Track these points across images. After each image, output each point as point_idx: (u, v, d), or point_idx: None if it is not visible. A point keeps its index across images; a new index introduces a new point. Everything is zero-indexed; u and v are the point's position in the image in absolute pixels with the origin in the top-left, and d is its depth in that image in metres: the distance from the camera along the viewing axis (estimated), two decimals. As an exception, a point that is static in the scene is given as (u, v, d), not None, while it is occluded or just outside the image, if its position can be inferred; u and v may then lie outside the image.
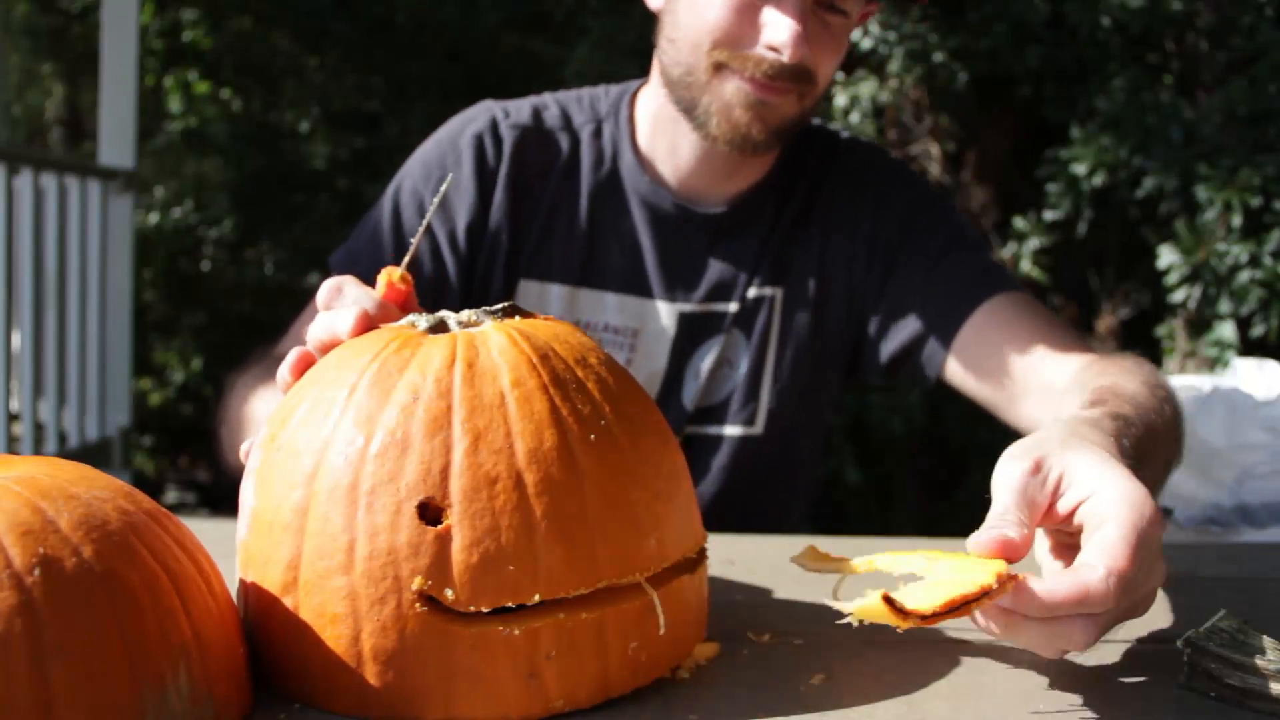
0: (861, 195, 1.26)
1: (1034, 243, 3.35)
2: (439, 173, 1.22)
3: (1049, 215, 3.27)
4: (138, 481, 4.47)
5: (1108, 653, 0.75)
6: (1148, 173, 3.00)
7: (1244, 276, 2.80)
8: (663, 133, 1.23)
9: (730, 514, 1.20)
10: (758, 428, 1.26)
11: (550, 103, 1.28)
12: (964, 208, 3.86)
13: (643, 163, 1.24)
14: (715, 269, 1.24)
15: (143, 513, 0.58)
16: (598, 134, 1.26)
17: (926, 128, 3.70)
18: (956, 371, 1.19)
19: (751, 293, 1.24)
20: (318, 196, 4.78)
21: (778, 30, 1.07)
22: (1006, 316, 1.17)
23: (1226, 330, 2.92)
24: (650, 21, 1.23)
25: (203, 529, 0.98)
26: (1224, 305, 2.86)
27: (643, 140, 1.25)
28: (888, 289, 1.24)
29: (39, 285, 3.53)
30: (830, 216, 1.26)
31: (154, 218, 5.21)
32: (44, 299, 3.57)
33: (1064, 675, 0.71)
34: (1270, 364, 2.23)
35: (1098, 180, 3.05)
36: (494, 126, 1.24)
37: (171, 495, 5.06)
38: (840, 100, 3.53)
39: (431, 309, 1.23)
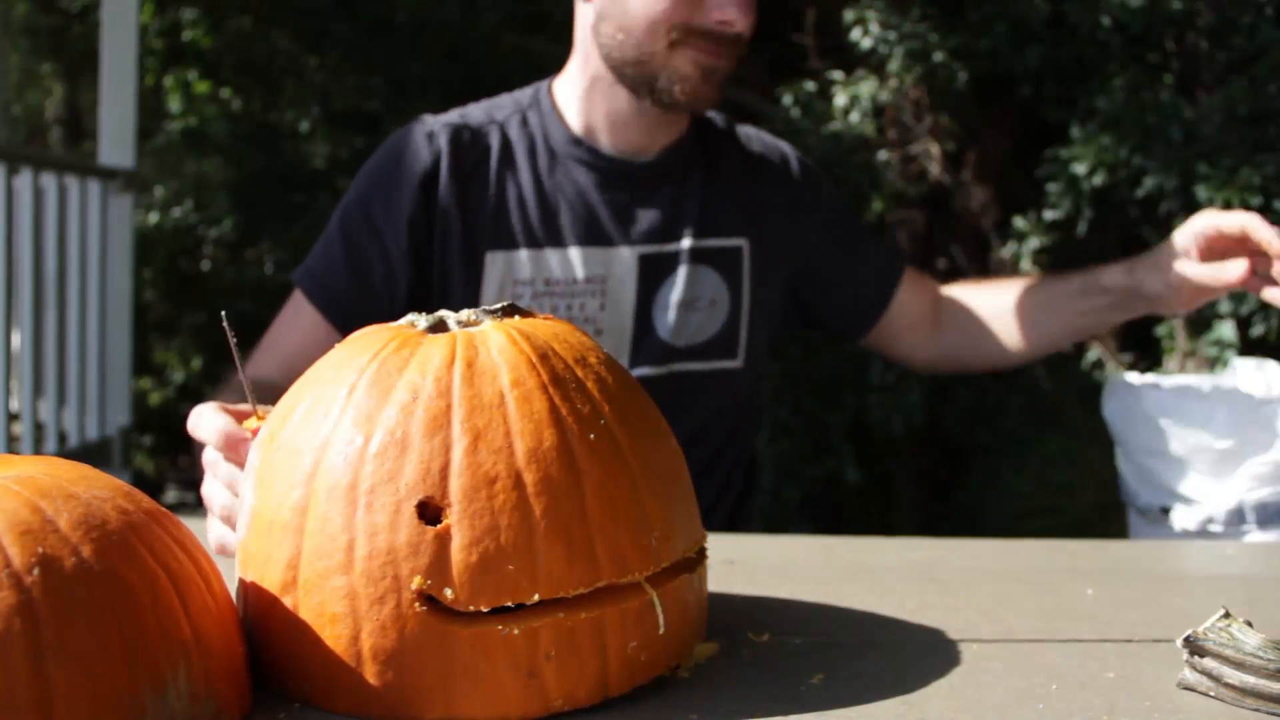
0: (784, 159, 1.48)
1: (1034, 242, 3.34)
2: (380, 184, 1.34)
3: (1049, 215, 3.27)
4: (137, 481, 4.47)
5: (1108, 652, 0.75)
6: (1148, 172, 3.00)
7: (1244, 276, 2.80)
8: (597, 108, 1.36)
9: (710, 442, 1.41)
10: (738, 361, 1.43)
11: (472, 109, 1.42)
12: (964, 207, 3.86)
13: (572, 136, 1.37)
14: (660, 212, 1.38)
15: (142, 512, 0.58)
16: (524, 122, 1.39)
17: (926, 127, 3.70)
18: (884, 329, 1.49)
19: (716, 242, 1.40)
20: (318, 196, 4.78)
21: (724, 8, 1.25)
22: (915, 288, 1.50)
23: (1226, 330, 2.92)
24: None
25: (202, 529, 0.98)
26: (1224, 304, 2.86)
27: (571, 119, 1.38)
28: (812, 250, 1.47)
29: (39, 285, 3.53)
30: (766, 175, 1.46)
31: (154, 217, 5.21)
32: (44, 299, 3.57)
33: (1064, 675, 0.71)
34: (1270, 364, 2.23)
35: (1098, 180, 3.05)
36: (427, 129, 1.36)
37: (171, 495, 5.06)
38: (840, 100, 3.53)
39: (387, 305, 1.31)
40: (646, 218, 1.37)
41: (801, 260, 1.47)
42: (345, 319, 1.30)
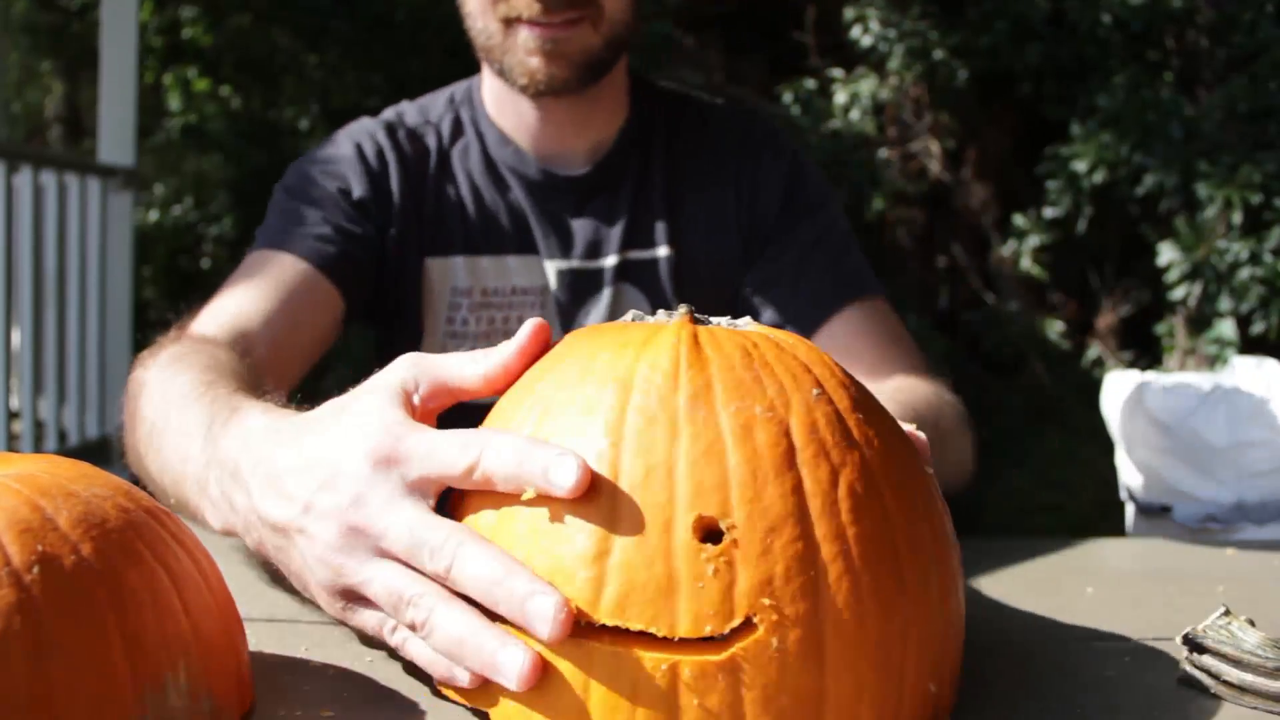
0: (743, 158, 1.29)
1: (1034, 240, 3.35)
2: (321, 163, 1.24)
3: (1049, 212, 3.27)
4: (137, 480, 4.47)
5: (1108, 649, 0.75)
6: (1148, 170, 3.00)
7: (1244, 274, 2.80)
8: (506, 105, 1.27)
9: None
10: None
11: (407, 108, 1.33)
12: (964, 205, 3.86)
13: (503, 137, 1.28)
14: (587, 228, 1.27)
15: (142, 510, 0.58)
16: (457, 122, 1.30)
17: (926, 125, 3.70)
18: None
19: (641, 254, 1.28)
20: (317, 194, 4.76)
21: None
22: (856, 327, 1.21)
23: (1226, 328, 2.92)
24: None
25: (201, 528, 0.98)
26: (1224, 302, 2.87)
27: (495, 117, 1.28)
28: (759, 266, 1.28)
29: (38, 283, 3.53)
30: (712, 177, 1.29)
31: (154, 215, 5.21)
32: (44, 296, 3.57)
33: (1063, 671, 0.71)
34: (1270, 362, 2.23)
35: (1098, 177, 3.05)
36: (365, 127, 1.28)
37: (171, 493, 5.06)
38: (840, 98, 3.53)
39: (362, 254, 1.18)
40: (570, 233, 1.27)
41: (745, 272, 1.29)
42: (330, 264, 1.15)
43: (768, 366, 0.58)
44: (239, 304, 1.09)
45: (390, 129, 1.28)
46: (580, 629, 0.53)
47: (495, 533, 0.56)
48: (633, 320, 0.65)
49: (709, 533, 0.53)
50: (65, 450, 3.62)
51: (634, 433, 0.55)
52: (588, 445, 0.55)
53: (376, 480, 0.57)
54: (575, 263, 1.27)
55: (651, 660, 0.52)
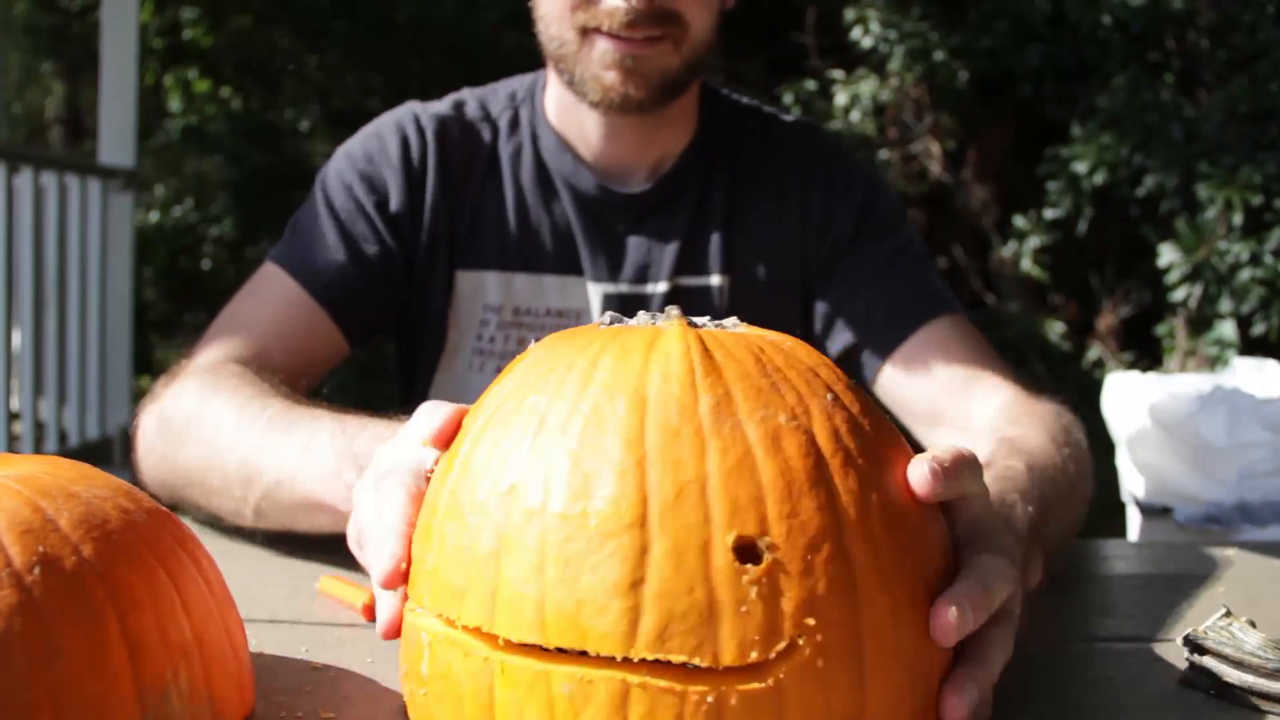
0: (811, 180, 1.24)
1: (1034, 241, 3.35)
2: (364, 163, 1.20)
3: (1049, 213, 3.27)
4: (138, 481, 4.47)
5: (1109, 650, 0.75)
6: (1148, 171, 3.00)
7: (1245, 275, 2.80)
8: (569, 114, 1.21)
9: None
10: None
11: (468, 97, 1.26)
12: (964, 206, 3.85)
13: (562, 144, 1.22)
14: (639, 250, 1.21)
15: (143, 512, 0.58)
16: (515, 122, 1.24)
17: (927, 126, 3.70)
18: (885, 385, 1.19)
19: (693, 280, 1.22)
20: (318, 195, 4.76)
21: None
22: (943, 341, 1.16)
23: (1227, 329, 2.93)
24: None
25: (202, 528, 0.98)
26: (1224, 304, 2.86)
27: (555, 122, 1.22)
28: (834, 285, 1.22)
29: (39, 284, 3.53)
30: (776, 200, 1.24)
31: (154, 216, 5.22)
32: (44, 298, 3.57)
33: (1064, 673, 0.71)
34: (1270, 363, 2.23)
35: (1098, 178, 3.05)
36: (415, 119, 1.22)
37: (172, 494, 5.06)
38: (841, 99, 3.53)
39: (384, 287, 1.16)
40: (622, 255, 1.21)
41: (811, 294, 1.24)
42: (334, 299, 1.13)
43: (780, 371, 0.56)
44: (238, 323, 1.12)
45: (443, 125, 1.21)
46: (617, 664, 0.49)
47: (502, 560, 0.51)
48: (611, 324, 0.62)
49: (746, 552, 0.50)
50: (66, 451, 3.62)
51: (658, 448, 0.51)
52: (607, 463, 0.51)
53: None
54: (623, 287, 1.21)
55: (696, 694, 0.48)
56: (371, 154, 1.19)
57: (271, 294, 1.14)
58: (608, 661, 0.49)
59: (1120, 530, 2.26)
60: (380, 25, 4.50)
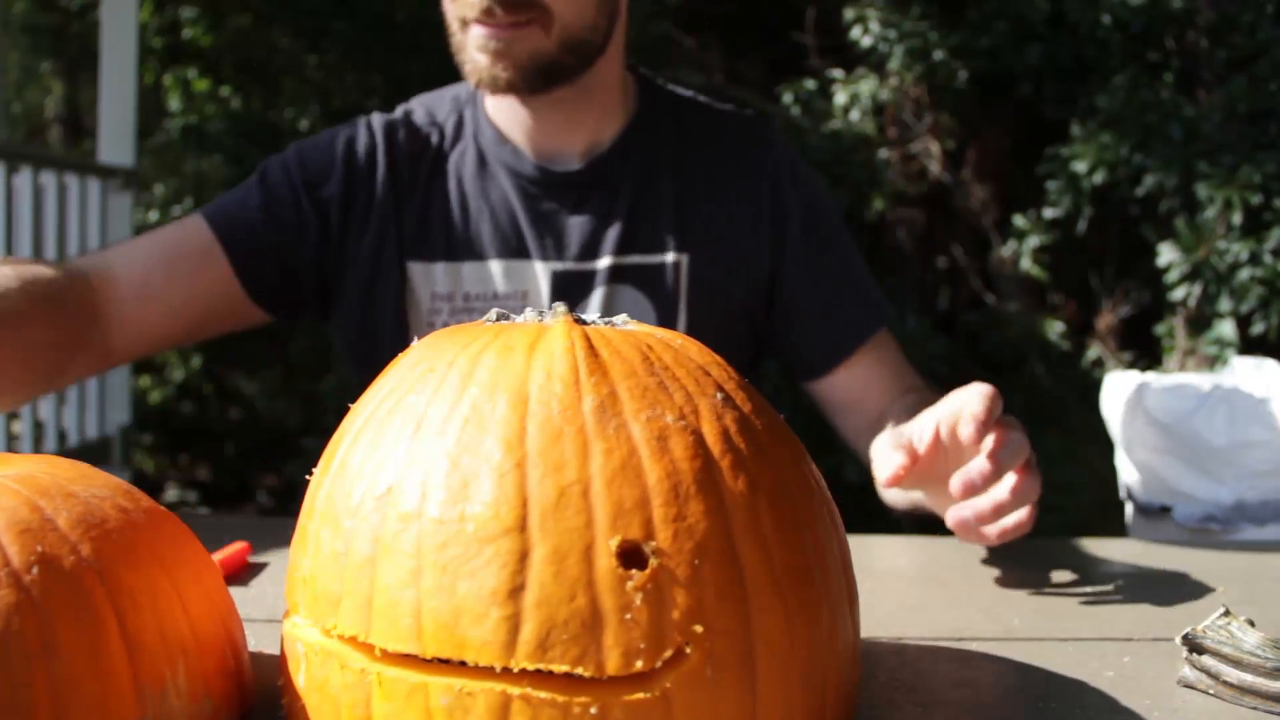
0: (761, 169, 1.30)
1: (1034, 240, 3.35)
2: (307, 151, 1.27)
3: (1049, 213, 3.27)
4: (137, 480, 4.47)
5: (1108, 649, 0.75)
6: (1148, 170, 3.00)
7: (1244, 274, 2.80)
8: (501, 105, 1.27)
9: None
10: None
11: (416, 105, 1.34)
12: (964, 206, 3.86)
13: (500, 135, 1.28)
14: (582, 228, 1.26)
15: (142, 511, 0.58)
16: (459, 124, 1.31)
17: (926, 125, 3.70)
18: (823, 393, 1.31)
19: (643, 259, 1.27)
20: (317, 194, 4.76)
21: None
22: (878, 356, 1.29)
23: (1226, 328, 2.93)
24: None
25: (202, 527, 0.98)
26: (1224, 303, 2.86)
27: (493, 115, 1.29)
28: (780, 283, 1.30)
29: (39, 283, 3.53)
30: (729, 183, 1.29)
31: (154, 215, 5.21)
32: (44, 297, 3.56)
33: (1064, 671, 0.71)
34: (1270, 363, 2.23)
35: (1098, 178, 3.05)
36: (367, 123, 1.30)
37: (171, 494, 5.06)
38: (840, 98, 3.53)
39: (288, 259, 1.21)
40: (567, 232, 1.26)
41: (764, 282, 1.30)
42: (235, 238, 1.20)
43: (668, 370, 0.54)
44: (129, 246, 1.19)
45: (391, 128, 1.29)
46: (496, 675, 0.47)
47: (378, 566, 0.49)
48: (497, 320, 0.60)
49: (631, 557, 0.48)
50: (65, 451, 3.62)
51: (539, 450, 0.49)
52: (486, 465, 0.49)
53: None
54: (570, 264, 1.27)
55: (580, 705, 0.46)
56: (318, 145, 1.27)
57: (177, 226, 1.22)
58: (487, 672, 0.47)
59: (1119, 529, 2.26)
60: (380, 25, 4.50)
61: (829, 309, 1.29)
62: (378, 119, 1.30)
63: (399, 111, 1.32)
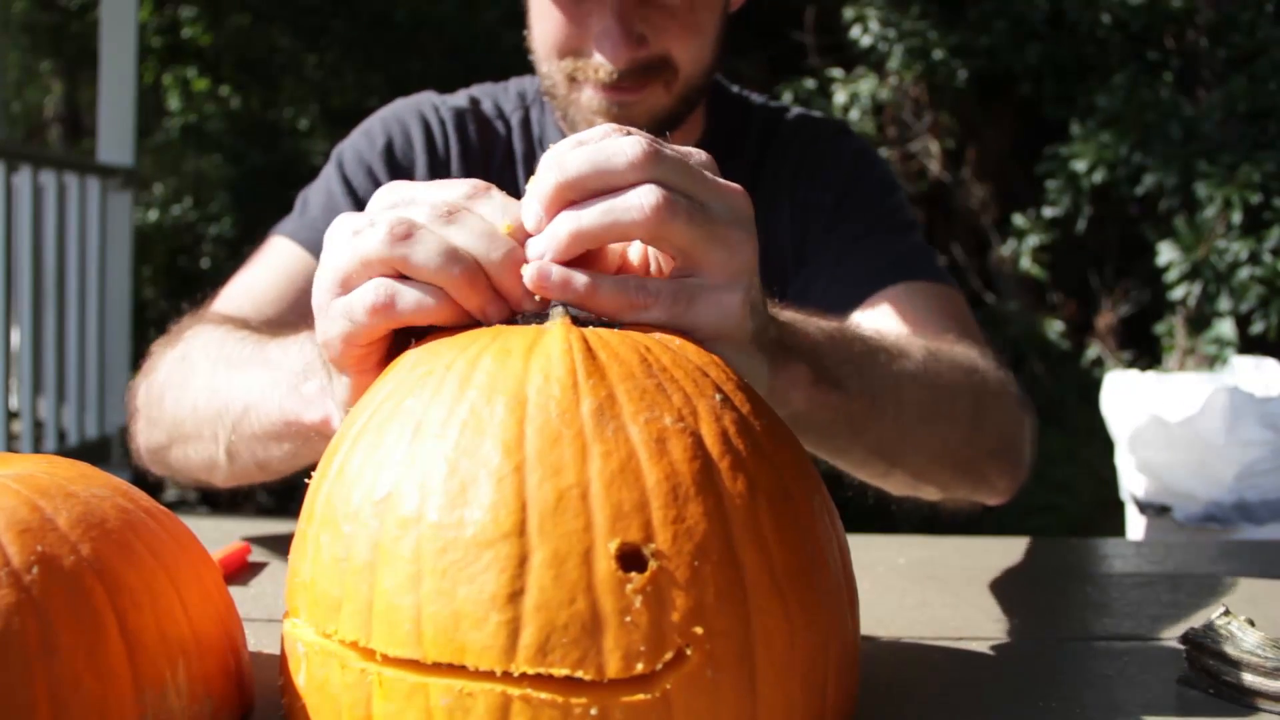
0: (803, 165, 1.23)
1: (1033, 240, 3.35)
2: (384, 139, 1.19)
3: (1048, 212, 3.27)
4: (137, 480, 4.45)
5: (1108, 649, 0.75)
6: (1147, 169, 3.00)
7: (1243, 273, 2.80)
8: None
9: None
10: None
11: (482, 94, 1.27)
12: (963, 205, 3.85)
13: None
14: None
15: (141, 511, 0.58)
16: (526, 121, 1.24)
17: (926, 125, 3.70)
18: None
19: None
20: (317, 194, 4.77)
21: (600, 40, 1.04)
22: (903, 306, 1.10)
23: (1226, 327, 2.93)
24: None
25: (202, 527, 0.98)
26: (1223, 302, 2.87)
27: (561, 122, 1.21)
28: (806, 262, 1.21)
29: (38, 283, 3.53)
30: (768, 193, 1.22)
31: (153, 215, 5.21)
32: (43, 297, 3.57)
33: (1063, 671, 0.71)
34: (1269, 362, 2.23)
35: (1097, 177, 3.05)
36: (435, 108, 1.22)
37: (171, 493, 5.06)
38: (840, 97, 3.53)
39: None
40: None
41: (802, 262, 1.23)
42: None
43: (666, 371, 0.54)
44: (243, 297, 1.10)
45: (461, 117, 1.22)
46: (496, 678, 0.47)
47: (378, 572, 0.49)
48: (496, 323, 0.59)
49: (631, 560, 0.48)
50: (64, 450, 3.62)
51: (537, 453, 0.49)
52: (484, 469, 0.49)
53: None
54: None
55: (580, 706, 0.46)
56: (394, 137, 1.19)
57: (279, 259, 1.12)
58: (488, 675, 0.47)
59: (1119, 529, 2.26)
60: (379, 24, 4.50)
61: (839, 262, 1.17)
62: (444, 106, 1.22)
63: (464, 98, 1.24)
